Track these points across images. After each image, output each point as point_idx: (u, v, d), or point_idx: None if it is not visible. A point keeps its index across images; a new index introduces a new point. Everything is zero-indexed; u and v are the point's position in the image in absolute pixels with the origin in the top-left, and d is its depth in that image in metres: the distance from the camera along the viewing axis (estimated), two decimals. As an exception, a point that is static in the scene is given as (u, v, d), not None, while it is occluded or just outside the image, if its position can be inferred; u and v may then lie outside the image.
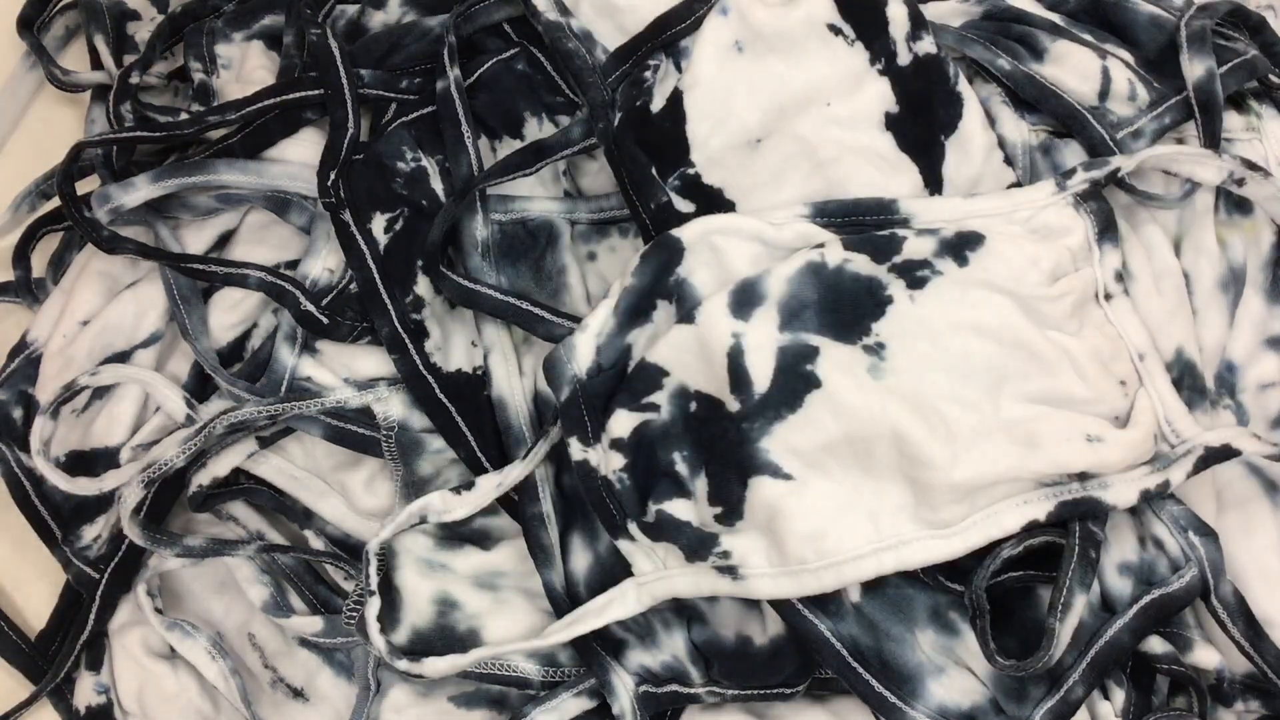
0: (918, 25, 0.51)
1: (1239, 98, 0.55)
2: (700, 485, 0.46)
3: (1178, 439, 0.46)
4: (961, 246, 0.47)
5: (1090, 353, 0.47)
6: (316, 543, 0.52)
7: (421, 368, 0.51)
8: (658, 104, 0.51)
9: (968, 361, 0.45)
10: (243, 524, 0.53)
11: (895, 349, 0.46)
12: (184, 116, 0.56)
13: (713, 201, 0.51)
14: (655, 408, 0.47)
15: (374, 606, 0.48)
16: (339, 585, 0.53)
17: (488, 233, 0.53)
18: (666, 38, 0.53)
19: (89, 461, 0.53)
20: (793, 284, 0.46)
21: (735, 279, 0.47)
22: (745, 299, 0.46)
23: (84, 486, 0.51)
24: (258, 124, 0.55)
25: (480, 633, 0.49)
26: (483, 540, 0.51)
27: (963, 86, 0.52)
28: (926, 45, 0.51)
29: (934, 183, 0.51)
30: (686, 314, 0.47)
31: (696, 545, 0.45)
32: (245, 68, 0.59)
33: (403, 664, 0.47)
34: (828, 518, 0.44)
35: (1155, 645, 0.46)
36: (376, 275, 0.52)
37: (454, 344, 0.52)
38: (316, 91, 0.54)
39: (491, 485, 0.48)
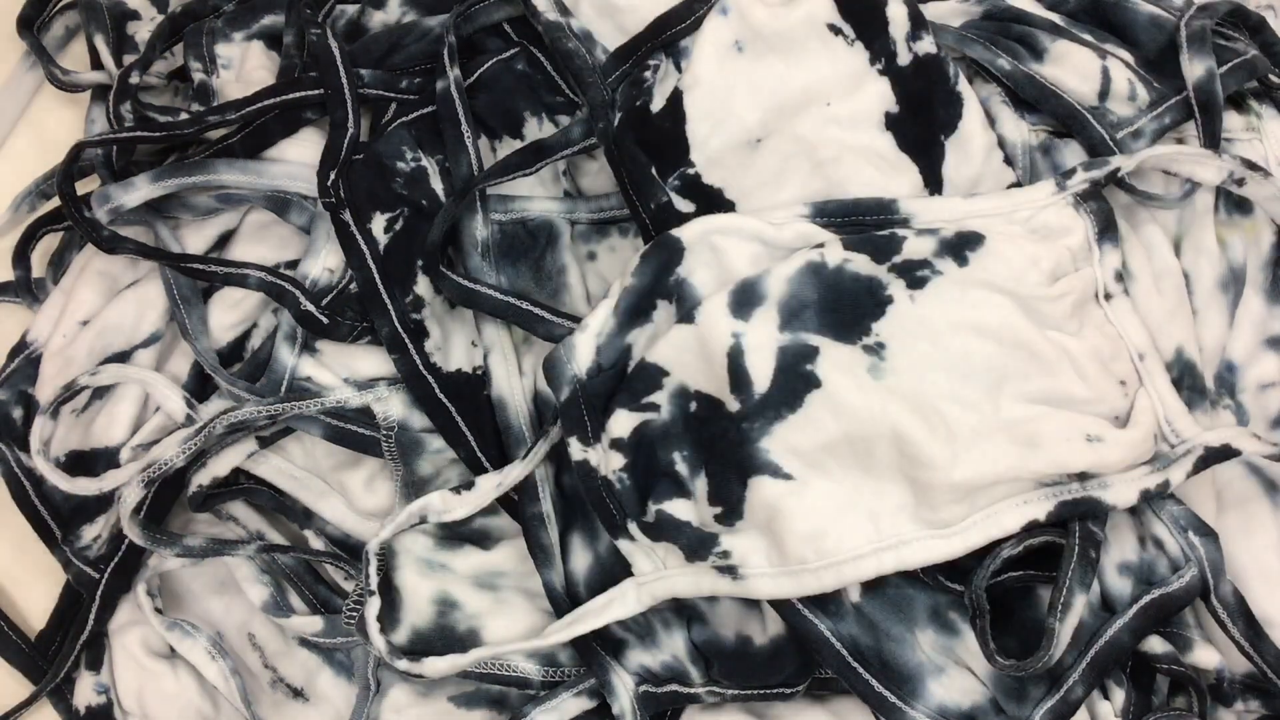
0: (918, 25, 0.51)
1: (1239, 98, 0.55)
2: (700, 485, 0.46)
3: (1178, 439, 0.46)
4: (961, 246, 0.47)
5: (1090, 353, 0.47)
6: (316, 543, 0.52)
7: (421, 368, 0.51)
8: (658, 104, 0.51)
9: (968, 361, 0.45)
10: (243, 524, 0.53)
11: (895, 349, 0.46)
12: (184, 116, 0.56)
13: (713, 201, 0.51)
14: (655, 408, 0.47)
15: (374, 606, 0.48)
16: (339, 585, 0.53)
17: (488, 233, 0.53)
18: (666, 38, 0.53)
19: (89, 461, 0.53)
20: (793, 284, 0.46)
21: (735, 279, 0.47)
22: (745, 299, 0.46)
23: (84, 486, 0.51)
24: (258, 124, 0.55)
25: (480, 633, 0.49)
26: (483, 540, 0.51)
27: (963, 86, 0.52)
28: (926, 45, 0.51)
29: (934, 183, 0.51)
30: (686, 314, 0.47)
31: (696, 545, 0.45)
32: (245, 68, 0.59)
33: (403, 664, 0.47)
34: (828, 518, 0.44)
35: (1155, 645, 0.46)
36: (376, 275, 0.52)
37: (454, 344, 0.52)
38: (316, 91, 0.54)
39: (491, 485, 0.48)
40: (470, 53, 0.57)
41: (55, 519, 0.54)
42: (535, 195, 0.54)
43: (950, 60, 0.52)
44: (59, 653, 0.54)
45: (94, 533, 0.53)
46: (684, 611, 0.48)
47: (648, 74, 0.53)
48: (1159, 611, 0.46)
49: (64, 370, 0.53)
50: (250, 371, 0.53)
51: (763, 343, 0.45)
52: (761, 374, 0.45)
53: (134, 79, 0.58)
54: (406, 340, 0.51)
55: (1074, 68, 0.53)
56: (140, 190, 0.53)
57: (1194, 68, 0.53)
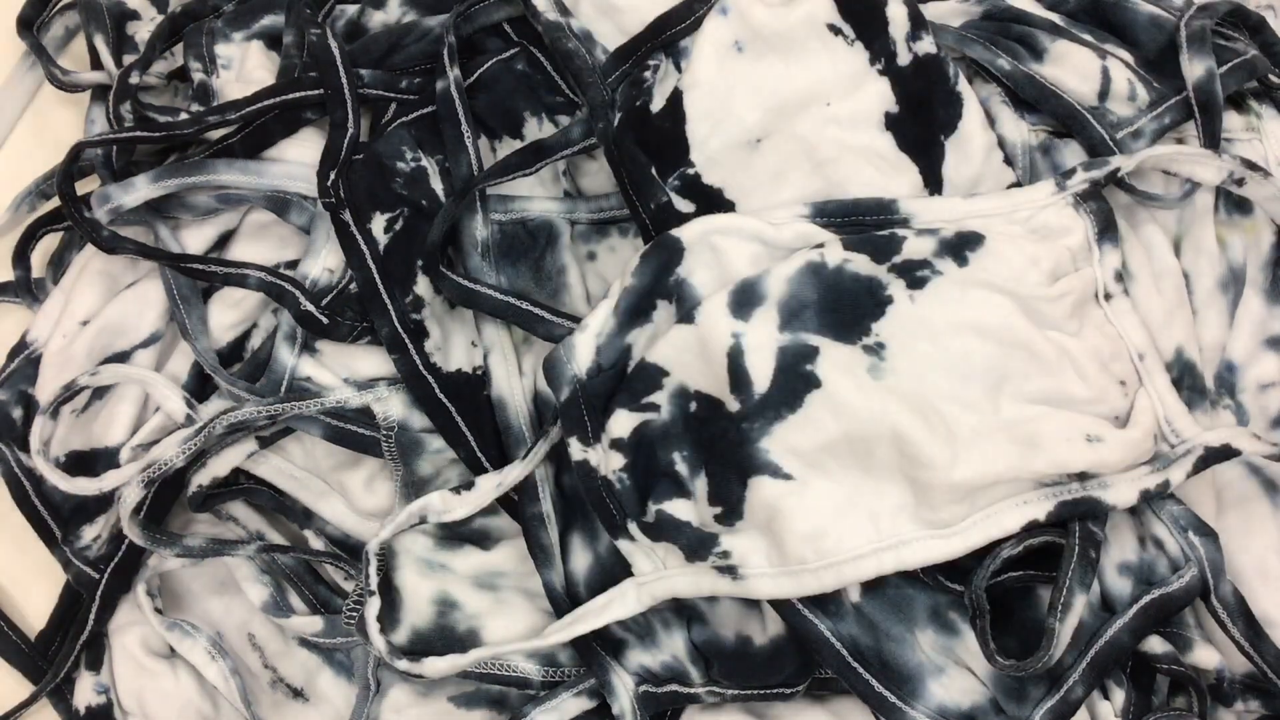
0: (917, 25, 0.51)
1: (1239, 98, 0.55)
2: (700, 485, 0.46)
3: (1178, 439, 0.46)
4: (961, 246, 0.47)
5: (1090, 353, 0.47)
6: (316, 543, 0.52)
7: (421, 368, 0.51)
8: (657, 104, 0.51)
9: (968, 361, 0.45)
10: (243, 524, 0.53)
11: (895, 349, 0.46)
12: (184, 116, 0.56)
13: (712, 201, 0.51)
14: (655, 408, 0.47)
15: (374, 606, 0.48)
16: (339, 585, 0.53)
17: (487, 233, 0.53)
18: (666, 38, 0.53)
19: (89, 461, 0.53)
20: (793, 284, 0.46)
21: (735, 279, 0.47)
22: (745, 299, 0.46)
23: (84, 486, 0.51)
24: (258, 124, 0.54)
25: (480, 633, 0.49)
26: (483, 540, 0.51)
27: (963, 86, 0.52)
28: (926, 45, 0.51)
29: (934, 183, 0.51)
30: (686, 314, 0.47)
31: (696, 545, 0.45)
32: (245, 68, 0.59)
33: (402, 664, 0.47)
34: (828, 517, 0.44)
35: (1155, 645, 0.46)
36: (376, 275, 0.52)
37: (454, 344, 0.52)
38: (316, 91, 0.54)
39: (491, 485, 0.48)
40: (470, 53, 0.57)
41: (55, 519, 0.54)
42: (535, 195, 0.54)
43: (950, 60, 0.52)
44: (59, 653, 0.54)
45: (94, 533, 0.53)
46: (684, 611, 0.48)
47: (648, 74, 0.53)
48: (1159, 611, 0.46)
49: (64, 370, 0.53)
50: (250, 371, 0.53)
51: (763, 343, 0.45)
52: (761, 374, 0.45)
53: (134, 79, 0.58)
54: (406, 340, 0.51)
55: (1074, 68, 0.53)
56: (140, 190, 0.53)
57: (1194, 68, 0.53)
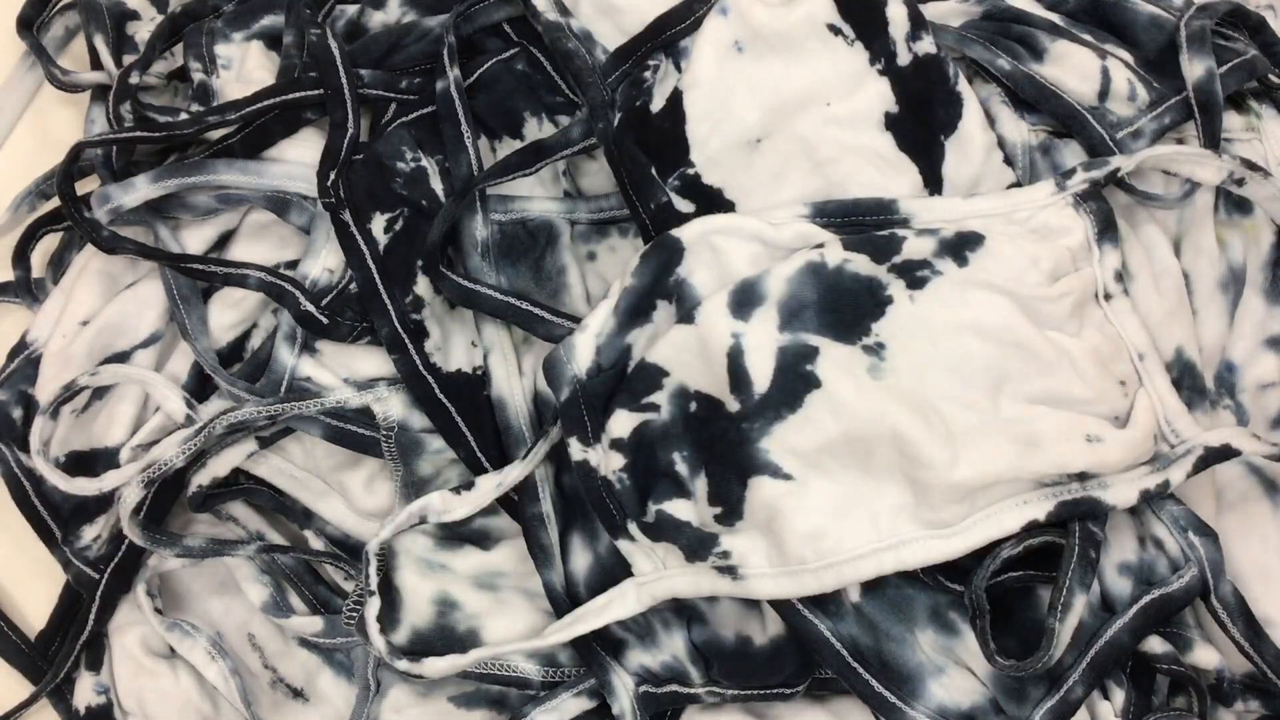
0: (917, 25, 0.51)
1: (1239, 98, 0.55)
2: (700, 485, 0.46)
3: (1177, 439, 0.46)
4: (961, 246, 0.47)
5: (1090, 353, 0.47)
6: (316, 543, 0.52)
7: (421, 368, 0.51)
8: (657, 104, 0.51)
9: (967, 362, 0.45)
10: (243, 524, 0.53)
11: (895, 349, 0.46)
12: (184, 116, 0.56)
13: (712, 201, 0.51)
14: (655, 408, 0.47)
15: (374, 606, 0.48)
16: (339, 585, 0.53)
17: (487, 233, 0.53)
18: (666, 38, 0.53)
19: (89, 461, 0.53)
20: (792, 284, 0.46)
21: (735, 279, 0.47)
22: (745, 299, 0.46)
23: (84, 486, 0.51)
24: (258, 124, 0.54)
25: (480, 633, 0.49)
26: (483, 540, 0.51)
27: (962, 86, 0.52)
28: (926, 45, 0.51)
29: (934, 183, 0.51)
30: (686, 314, 0.47)
31: (696, 545, 0.45)
32: (245, 68, 0.59)
33: (402, 664, 0.47)
34: (827, 518, 0.44)
35: (1155, 645, 0.46)
36: (376, 275, 0.52)
37: (454, 344, 0.52)
38: (316, 91, 0.54)
39: (491, 485, 0.48)
40: (470, 53, 0.57)
41: (55, 519, 0.54)
42: (535, 195, 0.54)
43: (950, 60, 0.52)
44: (59, 653, 0.54)
45: (94, 533, 0.53)
46: (684, 612, 0.48)
47: (647, 74, 0.53)
48: (1159, 611, 0.46)
49: (64, 370, 0.53)
50: (250, 371, 0.53)
51: (762, 343, 0.45)
52: (761, 374, 0.45)
53: (134, 79, 0.58)
54: (406, 340, 0.51)
55: (1074, 68, 0.53)
56: (140, 190, 0.53)
57: (1194, 68, 0.53)
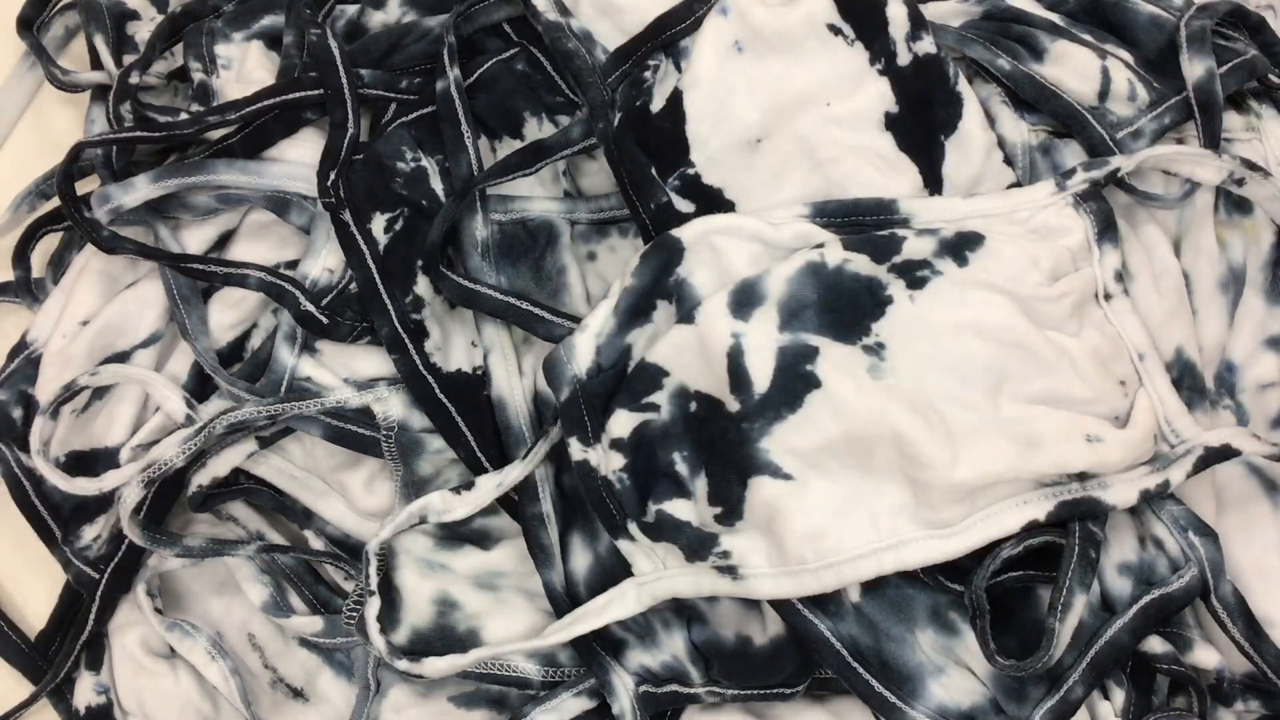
0: (917, 25, 0.51)
1: (1239, 98, 0.55)
2: (700, 485, 0.46)
3: (1177, 439, 0.47)
4: (961, 246, 0.47)
5: (1090, 353, 0.47)
6: (316, 543, 0.52)
7: (421, 368, 0.51)
8: (657, 104, 0.51)
9: (967, 362, 0.45)
10: (243, 524, 0.53)
11: (895, 349, 0.46)
12: (184, 116, 0.56)
13: (712, 201, 0.51)
14: (655, 408, 0.47)
15: (374, 606, 0.48)
16: (339, 585, 0.53)
17: (487, 233, 0.53)
18: (666, 38, 0.53)
19: (89, 461, 0.53)
20: (792, 284, 0.46)
21: (735, 279, 0.47)
22: (745, 299, 0.46)
23: (84, 486, 0.51)
24: (258, 124, 0.54)
25: (480, 633, 0.49)
26: (483, 540, 0.51)
27: (962, 86, 0.52)
28: (926, 45, 0.51)
29: (934, 183, 0.51)
30: (686, 314, 0.47)
31: (696, 545, 0.45)
32: (245, 68, 0.59)
33: (402, 664, 0.47)
34: (827, 518, 0.44)
35: (1155, 645, 0.46)
36: (376, 275, 0.52)
37: (454, 344, 0.52)
38: (316, 91, 0.54)
39: (491, 485, 0.48)
40: (470, 53, 0.57)
41: (55, 519, 0.54)
42: (535, 195, 0.54)
43: (950, 60, 0.52)
44: (59, 653, 0.54)
45: (94, 533, 0.53)
46: (684, 611, 0.48)
47: (648, 74, 0.53)
48: (1159, 611, 0.46)
49: (64, 370, 0.53)
50: (250, 371, 0.53)
51: (762, 343, 0.45)
52: (761, 374, 0.45)
53: (134, 79, 0.58)
54: (406, 340, 0.51)
55: (1074, 68, 0.53)
56: (140, 190, 0.53)
57: (1194, 68, 0.53)
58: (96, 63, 0.61)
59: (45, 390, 0.54)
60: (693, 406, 0.47)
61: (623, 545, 0.47)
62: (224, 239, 0.56)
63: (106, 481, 0.51)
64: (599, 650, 0.47)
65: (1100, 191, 0.50)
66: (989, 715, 0.45)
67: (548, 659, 0.49)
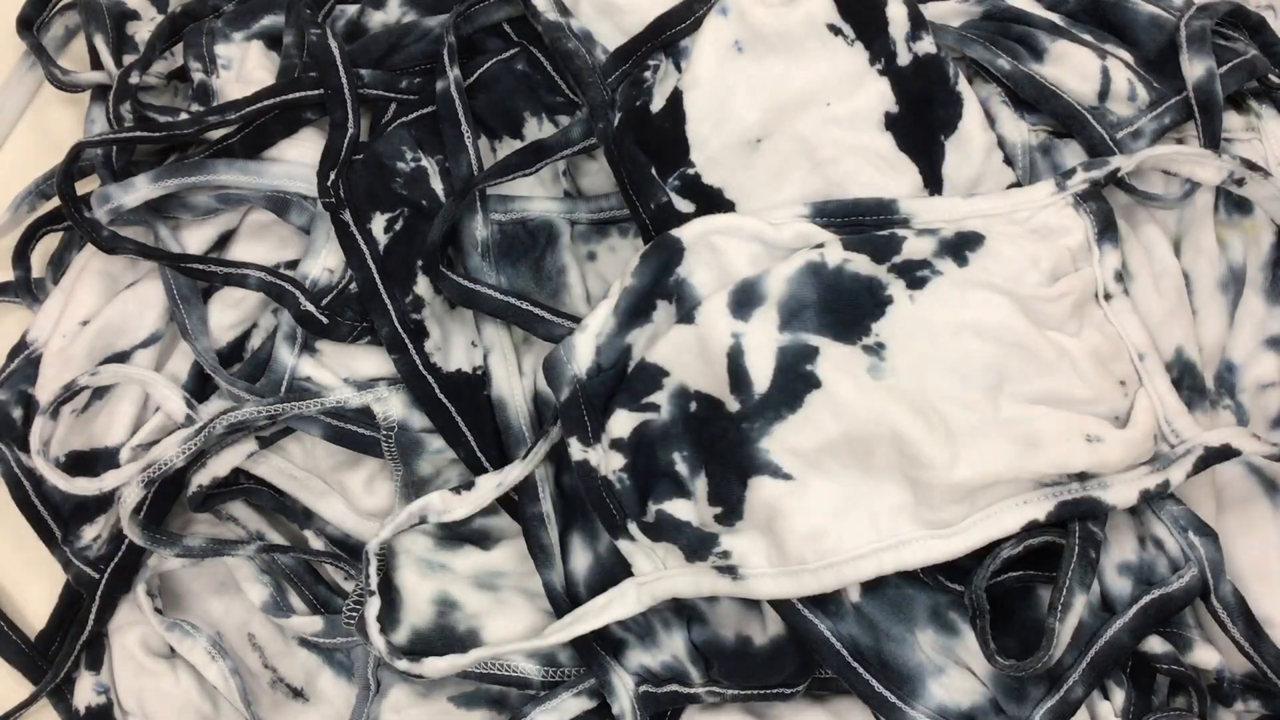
0: (917, 25, 0.51)
1: (1239, 98, 0.55)
2: (700, 485, 0.46)
3: (1177, 439, 0.46)
4: (961, 246, 0.47)
5: (1090, 353, 0.47)
6: (316, 543, 0.52)
7: (421, 368, 0.51)
8: (657, 104, 0.51)
9: (967, 362, 0.45)
10: (243, 524, 0.53)
11: (895, 349, 0.46)
12: (184, 116, 0.56)
13: (712, 201, 0.51)
14: (655, 408, 0.47)
15: (374, 606, 0.48)
16: (339, 585, 0.53)
17: (487, 233, 0.53)
18: (666, 38, 0.53)
19: (89, 461, 0.53)
20: (792, 284, 0.46)
21: (735, 279, 0.47)
22: (745, 299, 0.46)
23: (84, 486, 0.51)
24: (258, 124, 0.54)
25: (480, 633, 0.49)
26: (483, 540, 0.51)
27: (962, 86, 0.52)
28: (926, 45, 0.51)
29: (934, 183, 0.51)
30: (686, 314, 0.47)
31: (696, 545, 0.45)
32: (245, 68, 0.59)
33: (402, 664, 0.47)
34: (827, 518, 0.44)
35: (1155, 645, 0.46)
36: (376, 275, 0.52)
37: (454, 344, 0.52)
38: (316, 91, 0.54)
39: (491, 485, 0.48)
40: (470, 53, 0.57)
41: (55, 519, 0.54)
42: (535, 195, 0.54)
43: (950, 60, 0.52)
44: (59, 653, 0.54)
45: (94, 533, 0.53)
46: (684, 611, 0.48)
47: (648, 74, 0.53)
48: (1159, 611, 0.46)
49: (64, 370, 0.53)
50: (250, 371, 0.53)
51: (762, 343, 0.45)
52: (761, 374, 0.45)
53: (134, 79, 0.58)
54: (406, 340, 0.51)
55: (1074, 68, 0.53)
56: (140, 190, 0.53)
57: (1194, 68, 0.53)
58: (96, 63, 0.61)
59: (45, 390, 0.54)
60: (693, 406, 0.47)
61: (623, 545, 0.47)
62: (224, 239, 0.56)
63: (106, 481, 0.51)
64: (599, 650, 0.47)
65: (1100, 191, 0.50)
66: (989, 715, 0.45)
67: (548, 659, 0.49)
